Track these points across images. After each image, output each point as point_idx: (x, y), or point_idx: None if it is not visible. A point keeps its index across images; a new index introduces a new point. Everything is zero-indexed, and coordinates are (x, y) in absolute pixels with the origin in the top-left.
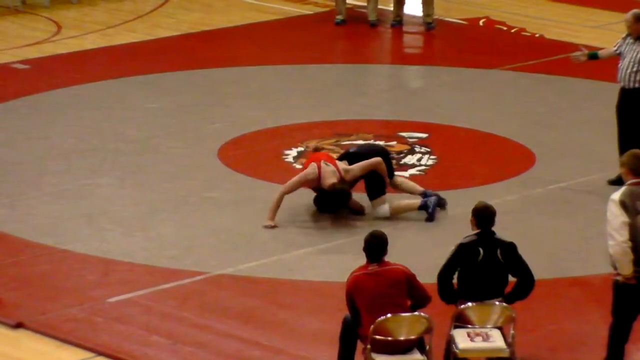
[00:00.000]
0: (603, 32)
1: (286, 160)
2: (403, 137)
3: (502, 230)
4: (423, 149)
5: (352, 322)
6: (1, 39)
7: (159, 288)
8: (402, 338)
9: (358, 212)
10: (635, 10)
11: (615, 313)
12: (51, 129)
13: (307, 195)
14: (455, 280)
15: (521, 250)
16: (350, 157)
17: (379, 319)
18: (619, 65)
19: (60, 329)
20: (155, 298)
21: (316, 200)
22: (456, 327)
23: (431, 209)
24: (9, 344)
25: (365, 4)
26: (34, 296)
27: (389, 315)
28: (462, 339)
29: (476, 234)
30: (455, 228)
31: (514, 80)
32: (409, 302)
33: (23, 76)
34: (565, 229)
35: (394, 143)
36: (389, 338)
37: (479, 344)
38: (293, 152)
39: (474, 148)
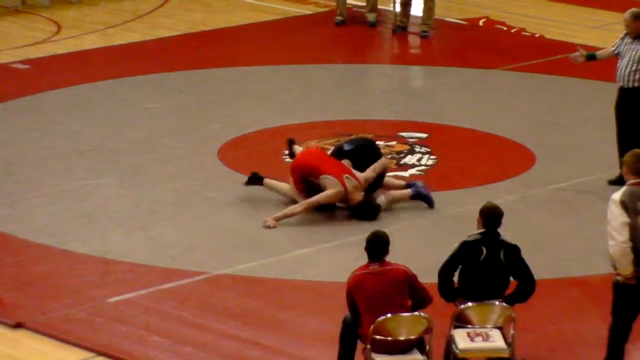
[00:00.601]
0: (603, 32)
1: (286, 160)
2: (403, 137)
3: (502, 230)
4: (423, 149)
5: (352, 321)
6: (1, 39)
7: (159, 288)
8: (402, 338)
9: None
10: (633, 9)
11: (615, 313)
12: (51, 129)
13: None
14: (456, 279)
15: (521, 250)
16: (347, 155)
17: (379, 319)
18: (618, 64)
19: (60, 329)
20: (155, 298)
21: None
22: (456, 327)
23: (425, 193)
24: (9, 344)
25: (364, 4)
26: (34, 296)
27: (389, 315)
28: (462, 339)
29: (481, 233)
30: (456, 228)
31: (514, 80)
32: (409, 302)
33: (23, 76)
34: (565, 229)
35: (394, 143)
36: (389, 338)
37: (479, 344)
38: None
39: (474, 148)
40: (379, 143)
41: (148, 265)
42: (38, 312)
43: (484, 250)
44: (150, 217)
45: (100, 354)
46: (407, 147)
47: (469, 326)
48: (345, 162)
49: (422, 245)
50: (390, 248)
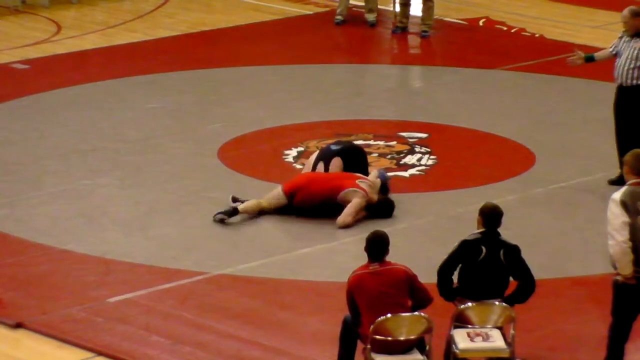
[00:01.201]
0: (603, 32)
1: (286, 160)
2: (403, 137)
3: (502, 230)
4: (423, 149)
5: (352, 321)
6: (1, 39)
7: (159, 288)
8: (402, 338)
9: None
10: (631, 7)
11: (615, 313)
12: (51, 129)
13: None
14: (455, 278)
15: (521, 250)
16: (337, 154)
17: (379, 319)
18: (616, 63)
19: (60, 329)
20: (155, 298)
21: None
22: (456, 327)
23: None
24: (9, 344)
25: (363, 4)
26: (34, 296)
27: (389, 315)
28: (462, 339)
29: (481, 233)
30: (456, 228)
31: (514, 80)
32: (410, 302)
33: (23, 76)
34: (565, 229)
35: (394, 143)
36: (389, 338)
37: (479, 344)
38: (293, 152)
39: (474, 148)
40: (379, 143)
41: (148, 265)
42: (38, 312)
43: (484, 249)
44: (150, 217)
45: (100, 354)
46: (407, 147)
47: (469, 326)
48: (337, 161)
49: (422, 245)
50: (390, 248)
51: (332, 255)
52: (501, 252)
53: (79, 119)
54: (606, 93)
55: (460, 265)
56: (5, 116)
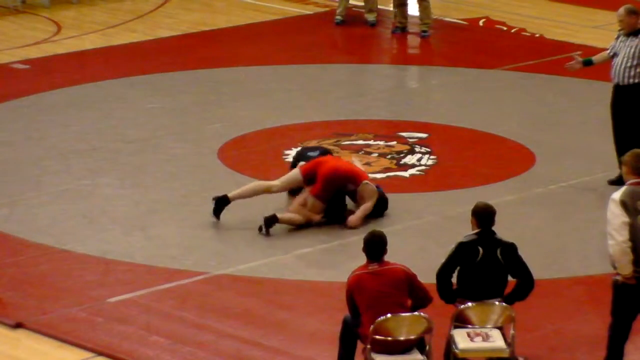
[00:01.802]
0: (603, 32)
1: (286, 160)
2: (403, 137)
3: (502, 230)
4: (423, 149)
5: (352, 321)
6: (1, 39)
7: (159, 288)
8: (402, 338)
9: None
10: (627, 5)
11: (614, 313)
12: (51, 129)
13: None
14: (454, 280)
15: (521, 250)
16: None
17: (379, 319)
18: (612, 62)
19: (60, 329)
20: (155, 298)
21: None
22: (456, 327)
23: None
24: (9, 344)
25: (363, 4)
26: (34, 296)
27: (389, 315)
28: (462, 339)
29: (476, 234)
30: (456, 228)
31: (514, 80)
32: (409, 302)
33: (23, 76)
34: (565, 229)
35: (394, 143)
36: (389, 338)
37: (479, 344)
38: (293, 152)
39: (474, 148)
40: (379, 143)
41: (148, 265)
42: (38, 312)
43: (481, 250)
44: (150, 217)
45: (100, 354)
46: (407, 147)
47: (469, 326)
48: None
49: (421, 246)
50: (390, 248)
51: (332, 255)
52: (498, 251)
53: (79, 119)
54: (606, 93)
55: (458, 267)
56: (5, 116)
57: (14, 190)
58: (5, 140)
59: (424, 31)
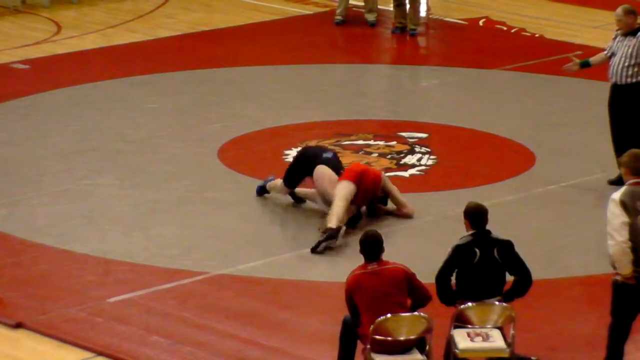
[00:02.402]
0: (603, 32)
1: (286, 160)
2: (403, 137)
3: (502, 230)
4: (423, 149)
5: (352, 322)
6: (1, 39)
7: (159, 288)
8: (402, 338)
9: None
10: (624, 5)
11: (614, 313)
12: (51, 129)
13: None
14: (453, 281)
15: (521, 250)
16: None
17: (379, 318)
18: (610, 62)
19: (60, 329)
20: (155, 298)
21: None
22: (456, 327)
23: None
24: (9, 344)
25: (363, 4)
26: (34, 296)
27: (388, 315)
28: (462, 339)
29: (471, 235)
30: (456, 228)
31: (514, 80)
32: (409, 301)
33: (23, 76)
34: (565, 229)
35: (394, 143)
36: (389, 338)
37: (479, 344)
38: (293, 152)
39: (474, 148)
40: (379, 143)
41: (148, 265)
42: (38, 312)
43: (477, 251)
44: (150, 217)
45: (100, 354)
46: (407, 147)
47: (469, 326)
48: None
49: (421, 246)
50: (390, 248)
51: (332, 255)
52: (495, 250)
53: (79, 119)
54: (606, 93)
55: (456, 270)
56: (5, 116)
57: (14, 190)
58: (5, 140)
59: (412, 30)
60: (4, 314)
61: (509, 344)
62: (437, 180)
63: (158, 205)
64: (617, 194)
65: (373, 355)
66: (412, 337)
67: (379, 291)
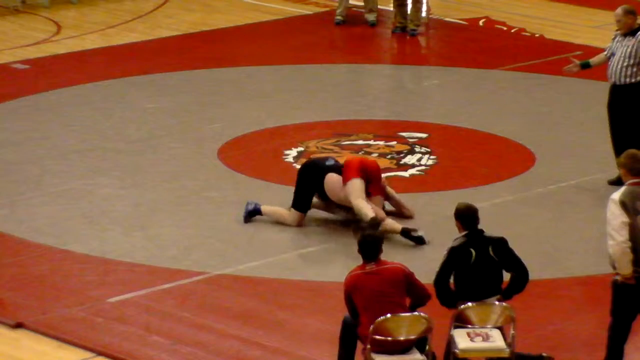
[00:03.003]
0: (603, 32)
1: (286, 160)
2: (403, 137)
3: (502, 230)
4: (423, 149)
5: (351, 322)
6: (1, 39)
7: (159, 288)
8: (401, 338)
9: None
10: (624, 5)
11: (614, 313)
12: (51, 129)
13: None
14: (452, 282)
15: (521, 250)
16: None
17: (379, 319)
18: (609, 62)
19: (60, 329)
20: (155, 298)
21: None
22: (456, 327)
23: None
24: (9, 344)
25: (363, 4)
26: (34, 296)
27: (388, 315)
28: (462, 339)
29: (465, 235)
30: (455, 228)
31: (514, 80)
32: (408, 301)
33: (23, 76)
34: (565, 229)
35: (394, 143)
36: (389, 338)
37: (479, 344)
38: (293, 152)
39: (474, 148)
40: (379, 143)
41: (148, 265)
42: (38, 312)
43: (473, 252)
44: (150, 217)
45: (100, 354)
46: (407, 147)
47: (469, 326)
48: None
49: (421, 246)
50: (389, 248)
51: (332, 255)
52: (490, 248)
53: (79, 119)
54: (606, 93)
55: (453, 272)
56: (5, 116)
57: (14, 190)
58: (5, 140)
59: (413, 30)
60: (4, 314)
61: (509, 344)
62: (437, 180)
63: (158, 205)
64: (617, 194)
65: (373, 355)
66: (412, 337)
67: (377, 291)
